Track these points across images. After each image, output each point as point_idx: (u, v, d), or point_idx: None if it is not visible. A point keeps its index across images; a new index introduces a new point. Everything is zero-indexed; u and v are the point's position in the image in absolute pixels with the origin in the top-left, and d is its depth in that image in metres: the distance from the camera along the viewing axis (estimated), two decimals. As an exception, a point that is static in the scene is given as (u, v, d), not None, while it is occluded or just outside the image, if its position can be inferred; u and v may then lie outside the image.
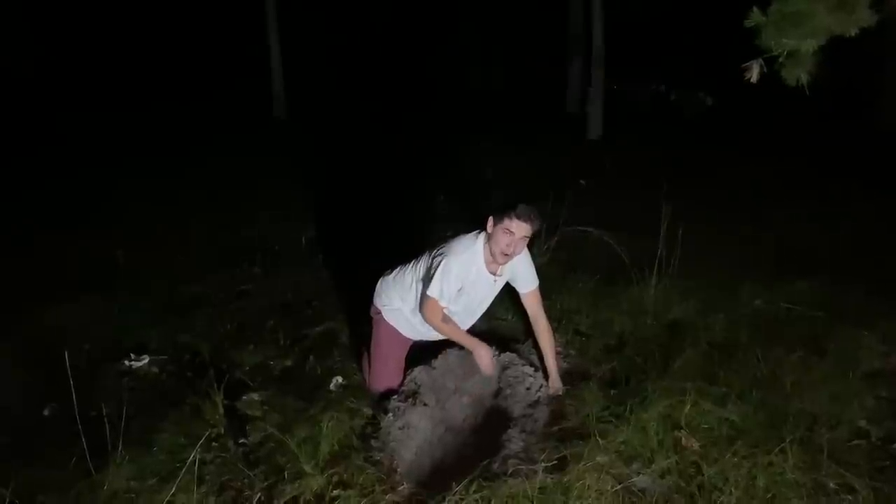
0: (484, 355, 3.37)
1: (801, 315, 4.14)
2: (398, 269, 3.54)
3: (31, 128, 9.95)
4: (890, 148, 8.02)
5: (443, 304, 3.27)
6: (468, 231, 3.38)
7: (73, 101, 11.29)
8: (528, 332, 3.68)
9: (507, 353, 3.55)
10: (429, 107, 11.39)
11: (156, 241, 5.87)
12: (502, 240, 3.18)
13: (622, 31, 9.87)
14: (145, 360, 3.95)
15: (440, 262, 3.22)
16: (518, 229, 3.17)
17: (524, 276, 3.44)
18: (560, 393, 3.41)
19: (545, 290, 3.73)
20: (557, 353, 3.61)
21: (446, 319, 3.37)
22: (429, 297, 3.25)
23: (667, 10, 10.63)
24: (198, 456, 2.87)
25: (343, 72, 13.25)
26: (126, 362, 3.93)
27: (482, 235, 3.29)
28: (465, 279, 3.27)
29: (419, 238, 5.45)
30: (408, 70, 13.19)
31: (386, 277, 3.57)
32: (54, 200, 6.96)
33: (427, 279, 3.28)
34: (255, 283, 5.06)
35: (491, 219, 3.22)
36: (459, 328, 3.43)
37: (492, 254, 3.25)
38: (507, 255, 3.22)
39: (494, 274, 3.34)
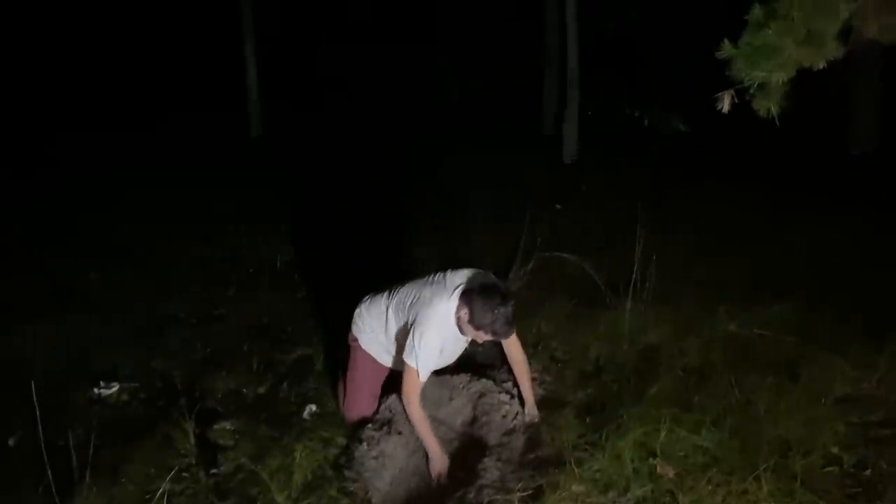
0: (437, 462, 3.16)
1: (774, 340, 4.17)
2: (375, 296, 3.50)
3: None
4: (860, 172, 8.17)
5: (422, 378, 3.15)
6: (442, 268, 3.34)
7: (46, 121, 11.16)
8: (504, 358, 3.67)
9: (483, 379, 3.54)
10: (404, 128, 11.40)
11: (129, 262, 5.78)
12: (474, 336, 3.15)
13: (597, 55, 10.01)
14: (115, 387, 3.88)
15: (416, 335, 3.10)
16: (490, 340, 3.16)
17: None
18: (536, 420, 3.39)
19: (521, 315, 3.73)
20: (533, 380, 3.60)
21: (424, 417, 3.19)
22: (410, 368, 3.13)
23: (641, 35, 10.79)
24: (167, 487, 2.82)
25: (319, 88, 13.24)
26: (96, 390, 3.86)
27: (454, 300, 3.14)
28: (443, 345, 3.20)
29: (397, 261, 5.46)
30: (383, 90, 13.22)
31: (363, 304, 3.53)
32: (25, 219, 6.85)
33: (405, 349, 3.17)
34: (229, 306, 5.00)
35: (466, 313, 3.07)
36: (429, 428, 3.20)
37: (461, 331, 3.18)
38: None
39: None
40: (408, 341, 3.14)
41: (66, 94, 12.10)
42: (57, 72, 12.53)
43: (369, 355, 3.47)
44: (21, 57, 12.27)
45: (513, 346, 3.46)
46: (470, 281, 3.19)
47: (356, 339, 3.50)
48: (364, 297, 3.59)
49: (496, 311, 3.01)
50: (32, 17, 12.48)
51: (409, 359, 3.13)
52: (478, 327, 3.06)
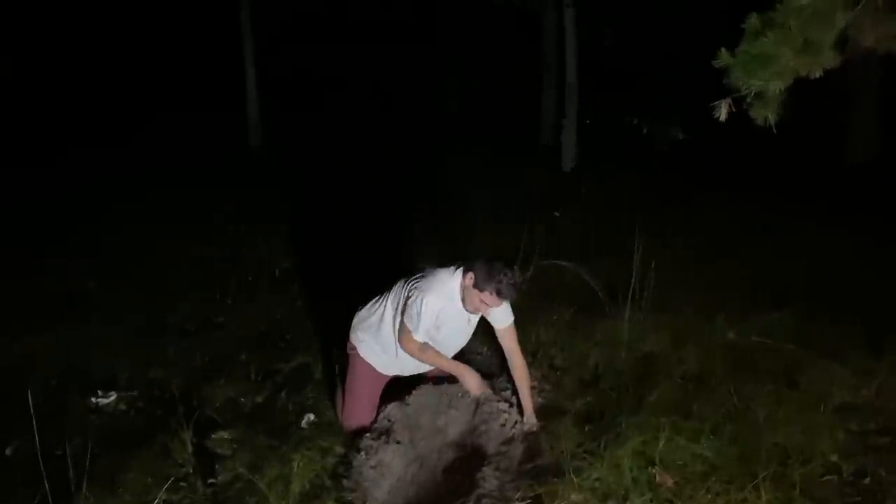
0: (470, 379, 3.35)
1: (773, 347, 4.17)
2: (372, 303, 3.51)
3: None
4: (858, 181, 8.19)
5: (418, 338, 3.24)
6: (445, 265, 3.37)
7: (46, 127, 11.17)
8: (503, 366, 3.67)
9: (482, 388, 3.53)
10: (404, 137, 11.43)
11: (128, 271, 5.79)
12: (477, 304, 3.20)
13: (595, 64, 10.04)
14: (113, 396, 3.87)
15: (417, 297, 3.18)
16: (492, 302, 3.17)
17: (500, 311, 3.40)
18: (535, 429, 3.39)
19: (521, 322, 3.73)
20: (532, 388, 3.59)
21: (425, 348, 3.31)
22: (406, 328, 3.22)
23: (639, 44, 10.83)
24: (165, 497, 2.82)
25: (319, 93, 13.28)
26: (93, 399, 3.84)
27: (458, 274, 3.24)
28: (440, 317, 3.24)
29: (396, 269, 5.45)
30: (383, 97, 13.26)
31: (360, 312, 3.54)
32: (24, 226, 6.85)
33: (403, 311, 3.25)
34: (227, 315, 5.00)
35: (471, 277, 3.15)
36: (439, 354, 3.37)
37: (463, 302, 3.24)
38: (479, 311, 3.24)
39: (469, 311, 3.33)
40: (408, 303, 3.20)
41: (65, 101, 12.13)
42: (57, 78, 12.57)
43: (368, 363, 3.47)
44: (21, 64, 12.29)
45: (514, 352, 3.47)
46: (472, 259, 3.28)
47: (354, 348, 3.51)
48: (359, 305, 3.60)
49: (501, 273, 3.09)
50: (33, 24, 12.51)
51: (406, 318, 3.19)
52: (482, 289, 3.11)
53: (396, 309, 3.36)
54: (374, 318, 3.44)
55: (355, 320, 3.56)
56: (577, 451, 3.12)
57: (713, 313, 4.54)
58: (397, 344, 3.34)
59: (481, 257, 3.24)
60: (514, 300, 3.24)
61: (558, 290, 4.97)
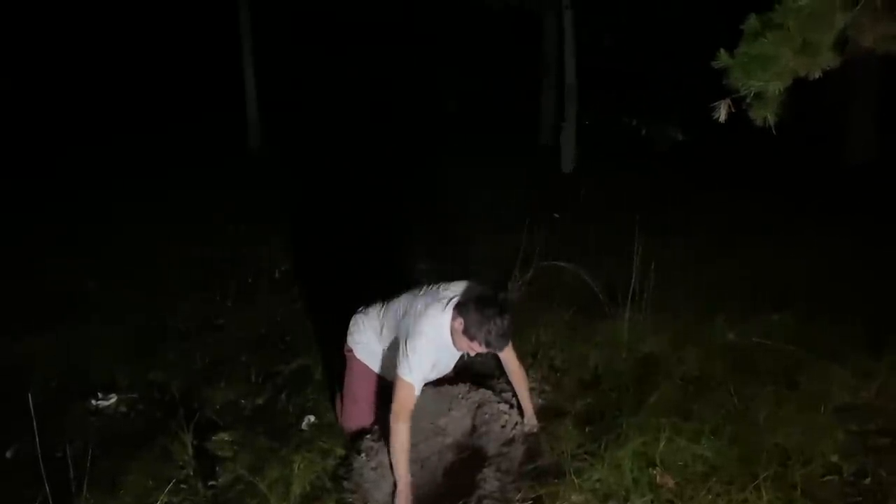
0: (401, 497, 3.00)
1: (773, 349, 4.17)
2: (369, 307, 3.50)
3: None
4: (858, 182, 8.20)
5: (417, 391, 3.08)
6: (443, 280, 3.32)
7: (45, 129, 11.17)
8: (502, 368, 3.66)
9: (482, 389, 3.53)
10: (403, 135, 11.44)
11: (128, 271, 5.80)
12: (466, 348, 3.10)
13: (594, 65, 10.04)
14: (113, 398, 3.87)
15: (409, 346, 3.04)
16: (482, 351, 3.07)
17: None
18: (535, 430, 3.39)
19: (521, 324, 3.74)
20: (532, 390, 3.59)
21: (399, 433, 3.03)
22: (403, 380, 3.04)
23: (638, 45, 10.83)
24: (165, 499, 2.82)
25: (317, 98, 13.27)
26: (94, 401, 3.85)
27: (448, 313, 3.08)
28: (436, 358, 3.16)
29: (395, 272, 5.45)
30: (382, 98, 13.26)
31: (358, 315, 3.53)
32: (24, 228, 6.85)
33: (397, 360, 3.10)
34: (227, 316, 5.00)
35: (461, 322, 3.00)
36: (407, 455, 3.04)
37: (454, 342, 3.12)
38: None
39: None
40: (400, 353, 3.07)
41: (64, 102, 12.13)
42: (55, 78, 12.57)
43: (365, 365, 3.46)
44: (20, 66, 12.29)
45: (509, 358, 3.43)
46: (465, 293, 3.14)
47: (351, 350, 3.50)
48: (358, 307, 3.58)
49: (491, 323, 2.93)
50: (32, 26, 12.51)
51: (402, 371, 3.04)
52: (472, 338, 2.98)
53: (392, 332, 3.28)
54: (374, 322, 3.43)
55: (352, 324, 3.54)
56: (577, 452, 3.12)
57: (713, 314, 4.54)
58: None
59: (472, 299, 3.04)
60: (504, 347, 3.11)
61: (558, 290, 4.97)
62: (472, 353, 3.17)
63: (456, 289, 3.19)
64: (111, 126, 11.50)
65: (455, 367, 3.44)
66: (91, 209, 7.56)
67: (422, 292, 3.26)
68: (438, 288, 3.24)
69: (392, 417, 3.03)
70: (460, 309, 3.04)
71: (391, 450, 3.05)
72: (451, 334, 3.08)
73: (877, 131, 9.21)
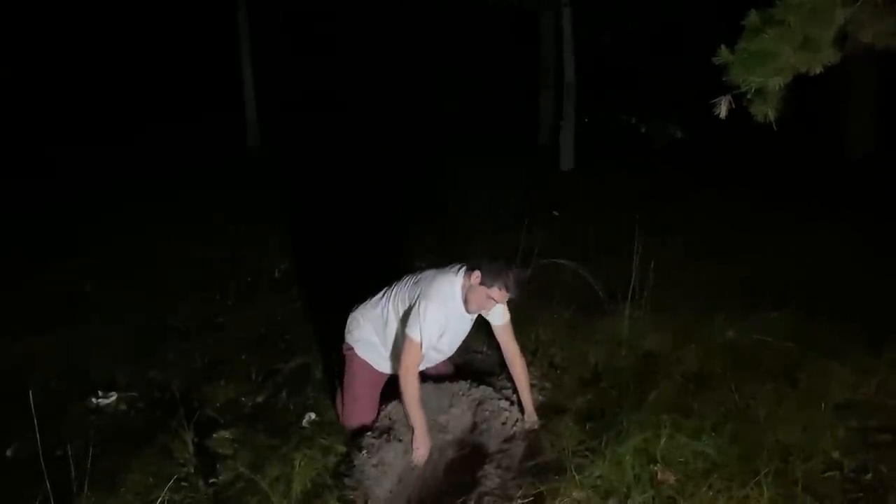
0: (421, 444, 3.19)
1: (773, 346, 4.17)
2: (368, 301, 3.51)
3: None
4: (857, 177, 8.20)
5: (423, 349, 3.20)
6: (444, 264, 3.37)
7: (44, 130, 11.16)
8: (504, 365, 3.67)
9: (483, 386, 3.53)
10: (402, 135, 11.43)
11: (128, 271, 5.79)
12: (483, 302, 3.20)
13: (593, 63, 10.03)
14: (113, 396, 3.86)
15: (421, 307, 3.17)
16: (500, 298, 3.18)
17: (497, 308, 3.41)
18: (536, 426, 3.39)
19: (521, 322, 3.73)
20: (532, 386, 3.59)
21: (411, 383, 3.20)
22: (411, 339, 3.18)
23: (637, 42, 10.82)
24: (166, 497, 2.81)
25: (316, 98, 13.27)
26: (94, 399, 3.84)
27: (461, 276, 3.25)
28: (445, 324, 3.24)
29: (395, 269, 5.45)
30: (380, 98, 13.25)
31: (355, 312, 3.54)
32: (23, 229, 6.85)
33: (407, 320, 3.22)
34: (227, 315, 5.00)
35: (477, 275, 3.16)
36: (420, 405, 3.23)
37: (465, 302, 3.24)
38: (479, 310, 3.24)
39: (471, 312, 3.33)
40: (412, 314, 3.18)
41: (63, 102, 12.12)
42: (54, 78, 12.55)
43: (366, 363, 3.47)
44: (18, 67, 12.28)
45: (512, 350, 3.48)
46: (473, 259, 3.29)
47: (351, 348, 3.51)
48: (355, 305, 3.60)
49: (509, 269, 3.14)
50: (29, 27, 12.49)
51: (411, 331, 3.16)
52: (491, 285, 3.12)
53: (399, 314, 3.34)
54: (377, 316, 3.44)
55: (350, 321, 3.56)
56: (578, 449, 3.13)
57: (713, 311, 4.55)
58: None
59: (485, 256, 3.26)
60: (520, 296, 3.25)
61: (558, 289, 4.97)
62: (491, 305, 3.24)
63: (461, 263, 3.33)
64: (111, 126, 11.49)
65: (460, 348, 3.55)
66: (91, 209, 7.55)
67: (427, 271, 3.38)
68: (436, 273, 3.34)
69: (401, 373, 3.21)
70: (474, 265, 3.21)
71: (404, 402, 3.23)
72: (466, 294, 3.21)
73: (876, 127, 9.22)
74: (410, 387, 3.20)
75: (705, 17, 8.33)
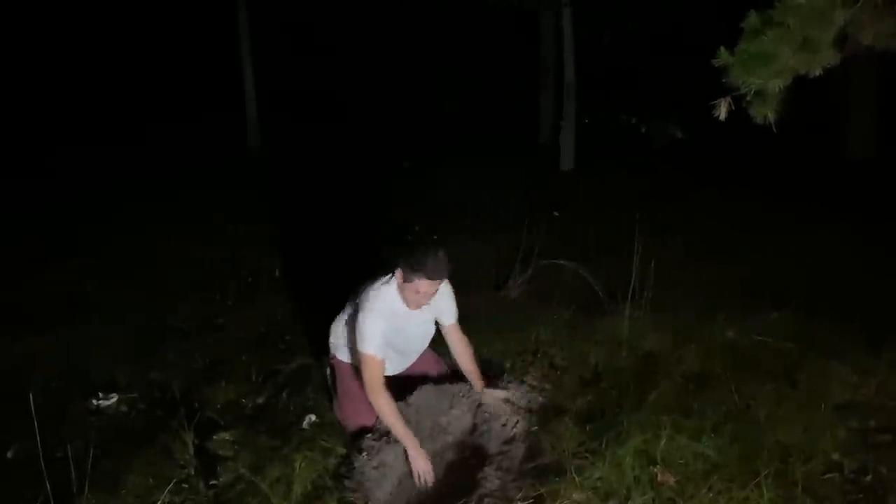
0: (418, 458, 3.13)
1: (773, 346, 4.17)
2: (343, 310, 3.56)
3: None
4: (857, 179, 8.20)
5: (379, 357, 3.17)
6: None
7: (44, 131, 11.16)
8: (503, 367, 3.67)
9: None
10: (402, 138, 11.43)
11: (128, 271, 5.80)
12: (413, 298, 3.15)
13: (593, 63, 10.03)
14: (114, 398, 3.87)
15: (358, 321, 3.18)
16: (428, 288, 3.11)
17: (446, 309, 3.42)
18: (489, 399, 3.40)
19: (521, 322, 3.73)
20: (532, 387, 3.60)
21: (384, 396, 3.16)
22: (362, 354, 3.16)
23: (638, 43, 10.82)
24: (167, 499, 2.81)
25: (316, 98, 13.27)
26: (94, 401, 3.85)
27: (391, 281, 3.21)
28: (388, 330, 3.20)
29: (393, 270, 5.45)
30: (381, 98, 13.25)
31: (334, 324, 3.59)
32: (24, 229, 6.85)
33: (356, 338, 3.22)
34: (227, 316, 5.01)
35: (399, 273, 3.12)
36: (401, 420, 3.17)
37: (405, 302, 3.21)
38: (420, 305, 3.21)
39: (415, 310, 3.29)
40: (356, 329, 3.20)
41: (63, 102, 12.12)
42: (54, 78, 12.55)
43: (351, 366, 3.47)
44: (19, 67, 12.28)
45: (459, 342, 3.47)
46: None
47: (335, 356, 3.57)
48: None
49: (426, 255, 3.03)
50: (30, 28, 12.49)
51: (359, 346, 3.17)
52: (413, 277, 3.05)
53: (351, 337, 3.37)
54: (345, 327, 3.49)
55: (330, 333, 3.60)
56: (578, 451, 3.12)
57: (713, 312, 4.54)
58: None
59: (402, 253, 3.14)
60: (444, 278, 3.16)
61: (557, 289, 4.98)
62: (425, 302, 3.19)
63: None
64: (111, 126, 11.49)
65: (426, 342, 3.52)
66: (91, 209, 7.56)
67: (361, 287, 3.37)
68: (373, 280, 3.33)
69: (367, 392, 3.17)
70: (397, 264, 3.14)
71: (384, 420, 3.19)
72: (402, 294, 3.18)
73: (876, 128, 9.21)
74: (381, 400, 3.14)
75: (705, 18, 8.33)
